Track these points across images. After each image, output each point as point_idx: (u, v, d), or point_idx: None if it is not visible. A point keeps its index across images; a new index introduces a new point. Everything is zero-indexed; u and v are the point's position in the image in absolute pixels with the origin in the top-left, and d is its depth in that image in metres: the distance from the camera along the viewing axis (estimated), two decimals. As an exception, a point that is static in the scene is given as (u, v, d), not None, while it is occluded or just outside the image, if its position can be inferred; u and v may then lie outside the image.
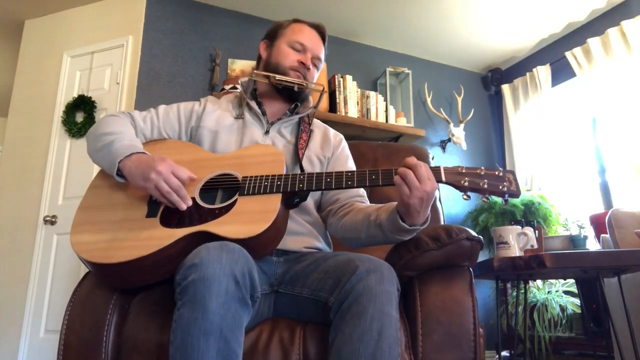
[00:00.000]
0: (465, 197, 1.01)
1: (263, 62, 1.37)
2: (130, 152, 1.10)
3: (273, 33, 1.38)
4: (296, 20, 1.39)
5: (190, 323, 0.81)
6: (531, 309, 2.71)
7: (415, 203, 0.98)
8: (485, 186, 0.99)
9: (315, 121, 1.41)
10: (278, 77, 1.28)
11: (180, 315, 0.84)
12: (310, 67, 1.33)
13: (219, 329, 0.81)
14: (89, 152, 1.20)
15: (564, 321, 2.66)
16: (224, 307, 0.83)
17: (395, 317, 0.92)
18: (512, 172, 1.02)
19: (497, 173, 1.01)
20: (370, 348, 0.86)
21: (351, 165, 1.37)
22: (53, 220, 2.75)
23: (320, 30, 1.38)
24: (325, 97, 3.01)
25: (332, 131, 1.42)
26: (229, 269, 0.85)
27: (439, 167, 1.02)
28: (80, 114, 2.88)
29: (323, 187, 1.07)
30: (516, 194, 0.99)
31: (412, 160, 0.99)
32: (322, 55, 1.38)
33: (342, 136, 1.43)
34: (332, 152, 1.35)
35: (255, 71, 1.32)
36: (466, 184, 0.99)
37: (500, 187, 0.99)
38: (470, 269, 1.13)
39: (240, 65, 2.97)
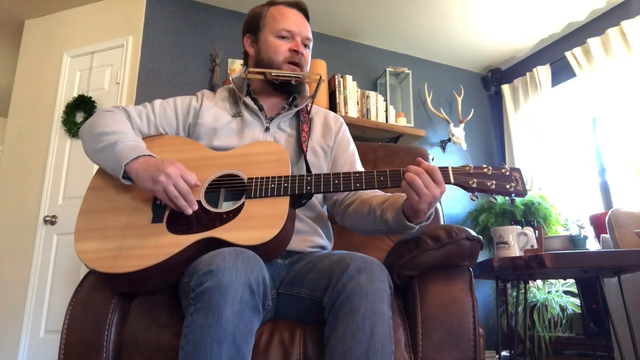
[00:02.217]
0: (473, 197, 1.02)
1: (252, 58, 1.31)
2: (137, 154, 1.07)
3: (253, 25, 1.31)
4: (272, 4, 1.32)
5: (203, 330, 0.81)
6: (531, 309, 2.71)
7: (425, 208, 0.99)
8: (493, 186, 1.00)
9: (314, 107, 1.37)
10: (274, 72, 1.23)
11: (193, 320, 0.83)
12: (303, 51, 1.28)
13: (232, 337, 0.81)
14: (87, 150, 1.16)
15: (564, 321, 2.66)
16: (238, 315, 0.83)
17: (388, 315, 0.92)
18: (518, 170, 1.03)
19: (503, 171, 1.02)
20: (362, 346, 0.86)
21: (353, 150, 1.36)
22: (53, 220, 2.75)
23: (301, 7, 1.31)
24: (326, 96, 3.01)
25: (331, 115, 1.38)
26: (244, 277, 0.85)
27: (447, 167, 1.02)
28: (80, 114, 2.88)
29: (331, 189, 1.06)
30: (522, 193, 1.01)
31: (420, 165, 1.00)
32: (310, 34, 1.31)
33: (342, 120, 1.40)
34: (334, 139, 1.33)
35: (248, 69, 1.26)
36: (474, 185, 1.01)
37: (508, 186, 1.01)
38: (470, 269, 1.13)
39: (240, 65, 2.97)
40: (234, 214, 1.03)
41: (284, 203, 1.04)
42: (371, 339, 0.87)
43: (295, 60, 1.26)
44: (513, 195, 1.01)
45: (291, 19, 1.28)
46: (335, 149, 1.32)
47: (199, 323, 0.82)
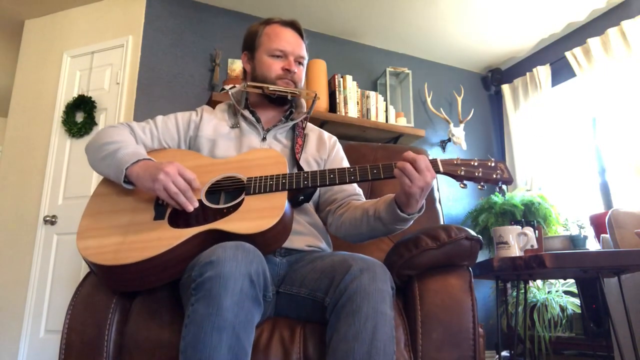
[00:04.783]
0: (462, 185, 1.09)
1: (249, 74, 1.38)
2: (136, 158, 1.11)
3: (250, 44, 1.38)
4: (268, 23, 1.38)
5: (204, 319, 0.83)
6: (531, 309, 2.71)
7: (416, 192, 1.03)
8: (480, 175, 1.07)
9: (309, 125, 1.44)
10: (272, 87, 1.30)
11: (194, 310, 0.85)
12: (296, 69, 1.33)
13: (231, 326, 0.83)
14: (91, 162, 1.20)
15: (564, 321, 2.66)
16: (238, 305, 0.84)
17: (390, 316, 0.93)
18: (503, 162, 1.12)
19: (489, 163, 1.09)
20: (365, 346, 0.87)
21: (346, 166, 1.40)
22: (53, 220, 2.75)
23: (295, 27, 1.37)
24: (325, 97, 3.01)
25: (325, 134, 1.46)
26: (244, 268, 0.87)
27: (436, 159, 1.08)
28: (80, 114, 2.88)
29: (327, 183, 1.10)
30: (509, 180, 1.08)
31: (410, 154, 1.04)
32: (304, 52, 1.37)
33: (335, 138, 1.47)
34: (327, 153, 1.39)
35: (247, 83, 1.33)
36: (462, 173, 1.07)
37: (494, 175, 1.07)
38: (470, 269, 1.14)
39: (240, 65, 2.97)
40: (234, 208, 1.06)
41: (282, 197, 1.07)
42: (373, 340, 0.88)
43: (287, 78, 1.32)
44: (500, 183, 1.07)
45: (285, 39, 1.34)
46: (329, 163, 1.38)
47: (199, 312, 0.84)
